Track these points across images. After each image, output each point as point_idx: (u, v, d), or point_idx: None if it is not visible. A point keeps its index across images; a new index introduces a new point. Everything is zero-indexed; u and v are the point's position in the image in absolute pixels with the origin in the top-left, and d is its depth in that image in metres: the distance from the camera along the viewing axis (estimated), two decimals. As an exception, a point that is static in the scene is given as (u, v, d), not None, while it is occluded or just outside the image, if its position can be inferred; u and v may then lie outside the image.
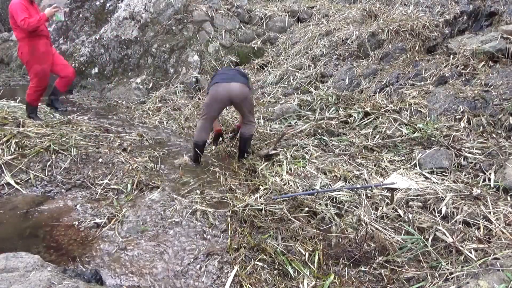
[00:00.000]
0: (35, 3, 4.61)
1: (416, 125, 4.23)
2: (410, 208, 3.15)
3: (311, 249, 2.68)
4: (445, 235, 2.78)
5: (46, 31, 4.64)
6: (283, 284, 2.40)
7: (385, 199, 3.28)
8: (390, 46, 5.96)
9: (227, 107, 5.74)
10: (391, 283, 2.45)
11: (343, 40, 6.54)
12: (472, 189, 3.31)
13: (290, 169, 3.83)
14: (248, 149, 4.22)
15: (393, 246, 2.72)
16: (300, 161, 3.97)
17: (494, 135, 3.96)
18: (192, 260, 2.58)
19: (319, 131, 4.63)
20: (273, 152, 4.16)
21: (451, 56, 5.20)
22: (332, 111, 4.97)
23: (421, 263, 2.58)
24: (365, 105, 4.82)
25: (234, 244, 2.67)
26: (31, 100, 4.77)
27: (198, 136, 3.97)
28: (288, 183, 3.51)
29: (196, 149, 4.02)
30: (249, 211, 3.07)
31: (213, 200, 3.30)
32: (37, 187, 3.46)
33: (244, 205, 3.14)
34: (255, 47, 7.76)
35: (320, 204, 3.21)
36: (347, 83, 5.64)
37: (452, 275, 2.40)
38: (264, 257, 2.58)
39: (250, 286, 2.35)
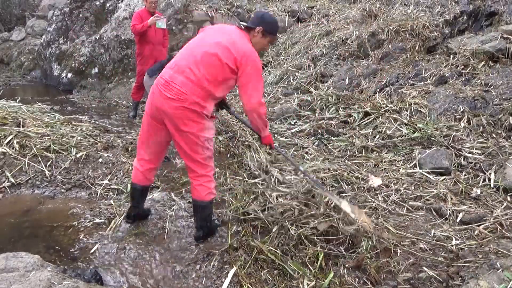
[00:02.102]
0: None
1: (416, 125, 4.23)
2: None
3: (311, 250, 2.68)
4: (445, 235, 2.79)
5: (153, 38, 5.30)
6: (283, 284, 2.40)
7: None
8: (390, 46, 5.96)
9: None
10: (390, 284, 2.45)
11: (343, 40, 6.54)
12: (472, 189, 3.31)
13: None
14: None
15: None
16: (300, 161, 3.97)
17: (494, 135, 3.96)
18: (192, 260, 2.59)
19: (319, 131, 4.63)
20: None
21: (451, 56, 5.20)
22: (332, 111, 4.96)
23: (420, 264, 2.58)
24: (365, 105, 4.82)
25: (234, 244, 2.67)
26: (132, 94, 5.79)
27: None
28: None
29: None
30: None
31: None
32: (37, 187, 3.46)
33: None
34: (255, 47, 7.75)
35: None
36: (347, 83, 5.64)
37: (452, 275, 2.41)
38: (264, 257, 2.58)
39: (250, 286, 2.35)
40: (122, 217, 3.01)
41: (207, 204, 2.64)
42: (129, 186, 3.48)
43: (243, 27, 2.55)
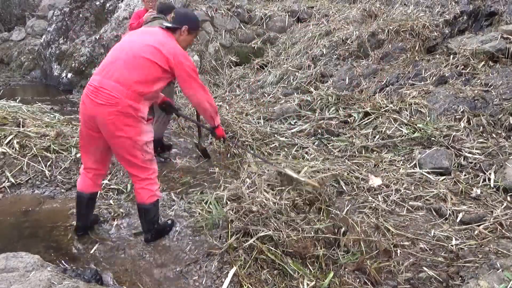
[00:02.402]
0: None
1: (416, 125, 4.23)
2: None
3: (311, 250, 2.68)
4: (445, 235, 2.79)
5: None
6: (283, 284, 2.40)
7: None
8: (390, 46, 5.96)
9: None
10: (390, 284, 2.45)
11: (343, 40, 6.54)
12: (472, 189, 3.31)
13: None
14: None
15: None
16: (300, 161, 3.97)
17: (494, 135, 3.96)
18: (192, 260, 2.58)
19: (319, 131, 4.63)
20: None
21: (451, 56, 5.20)
22: (332, 111, 4.96)
23: (420, 264, 2.58)
24: (365, 105, 4.82)
25: (234, 244, 2.67)
26: None
27: None
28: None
29: None
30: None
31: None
32: (37, 187, 3.46)
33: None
34: (255, 47, 7.76)
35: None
36: (347, 83, 5.63)
37: (452, 275, 2.41)
38: (264, 257, 2.58)
39: (250, 286, 2.34)
40: (122, 217, 3.02)
41: (150, 207, 2.63)
42: (129, 186, 3.49)
43: (165, 27, 2.59)
